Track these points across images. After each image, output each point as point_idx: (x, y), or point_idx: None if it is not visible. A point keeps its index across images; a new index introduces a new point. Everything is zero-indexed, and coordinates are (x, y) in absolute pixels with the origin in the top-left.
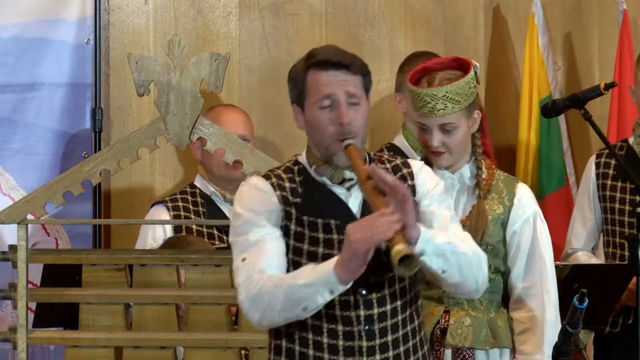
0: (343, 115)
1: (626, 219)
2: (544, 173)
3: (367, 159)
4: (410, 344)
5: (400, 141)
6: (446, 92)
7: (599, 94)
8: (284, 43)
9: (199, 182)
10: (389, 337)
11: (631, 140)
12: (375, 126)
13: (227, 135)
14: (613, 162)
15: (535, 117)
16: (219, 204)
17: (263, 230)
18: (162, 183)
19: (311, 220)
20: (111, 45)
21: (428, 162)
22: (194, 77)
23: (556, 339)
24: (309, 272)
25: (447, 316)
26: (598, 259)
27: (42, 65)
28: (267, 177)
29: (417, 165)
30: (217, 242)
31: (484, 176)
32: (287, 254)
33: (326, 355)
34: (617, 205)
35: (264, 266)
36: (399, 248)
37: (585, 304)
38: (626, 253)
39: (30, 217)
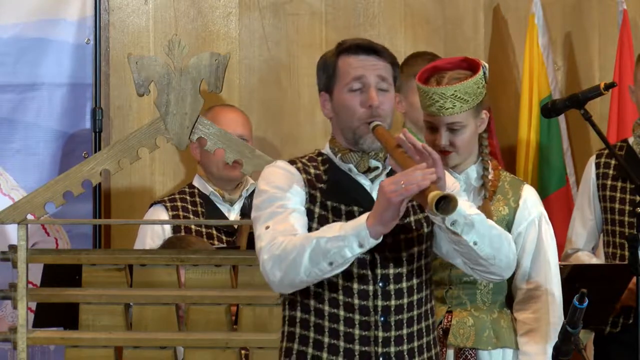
0: (373, 98)
1: (626, 219)
2: (544, 173)
3: (388, 156)
4: (424, 340)
5: None
6: (455, 91)
7: (599, 94)
8: (284, 43)
9: (197, 182)
10: (404, 331)
11: (631, 140)
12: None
13: (227, 135)
14: (613, 162)
15: (535, 117)
16: (217, 204)
17: (288, 203)
18: (162, 183)
19: (335, 206)
20: (111, 45)
21: None
22: (194, 77)
23: None
24: (339, 226)
25: (450, 316)
26: (598, 259)
27: (42, 65)
28: (292, 162)
29: None
30: (216, 242)
31: (490, 177)
32: None
33: (342, 343)
34: (617, 205)
35: (287, 231)
36: (435, 193)
37: (585, 304)
38: (626, 253)
39: (30, 217)
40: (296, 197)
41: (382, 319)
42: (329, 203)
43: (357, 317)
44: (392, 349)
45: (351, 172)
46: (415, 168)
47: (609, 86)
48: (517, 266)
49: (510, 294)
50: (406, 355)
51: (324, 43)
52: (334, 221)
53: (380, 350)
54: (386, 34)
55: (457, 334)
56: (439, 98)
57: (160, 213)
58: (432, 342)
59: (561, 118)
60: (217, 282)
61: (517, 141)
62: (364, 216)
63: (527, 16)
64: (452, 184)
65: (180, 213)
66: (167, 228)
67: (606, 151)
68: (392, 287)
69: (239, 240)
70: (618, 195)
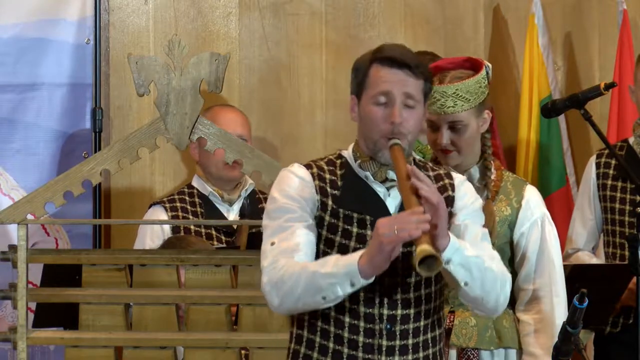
0: (395, 115)
1: (626, 218)
2: (544, 173)
3: (412, 163)
4: (430, 351)
5: None
6: (456, 89)
7: (599, 94)
8: (284, 43)
9: (196, 182)
10: (410, 341)
11: (631, 140)
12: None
13: (227, 135)
14: (613, 162)
15: (535, 117)
16: (216, 204)
17: (296, 217)
18: (162, 183)
19: (347, 214)
20: (111, 45)
21: (437, 161)
22: (194, 77)
23: None
24: (333, 262)
25: (452, 316)
26: (598, 259)
27: (42, 65)
28: (308, 166)
29: (459, 178)
30: (215, 242)
31: (492, 177)
32: (318, 244)
33: (345, 350)
34: (617, 205)
35: (291, 252)
36: (423, 247)
37: (585, 304)
38: (626, 253)
39: (30, 217)
40: (306, 208)
41: (387, 327)
42: (340, 211)
43: (362, 324)
44: (397, 358)
45: (367, 179)
46: (412, 212)
47: (609, 86)
48: (520, 267)
49: (512, 294)
50: None
51: (324, 43)
52: (344, 229)
53: (383, 358)
54: (386, 34)
55: (459, 334)
56: (440, 96)
57: (159, 213)
58: (438, 354)
59: (561, 118)
60: (217, 282)
61: (517, 141)
62: (358, 254)
63: (527, 16)
64: (475, 199)
65: (180, 213)
66: (167, 228)
67: (606, 151)
68: (399, 296)
69: (239, 240)
70: (618, 195)
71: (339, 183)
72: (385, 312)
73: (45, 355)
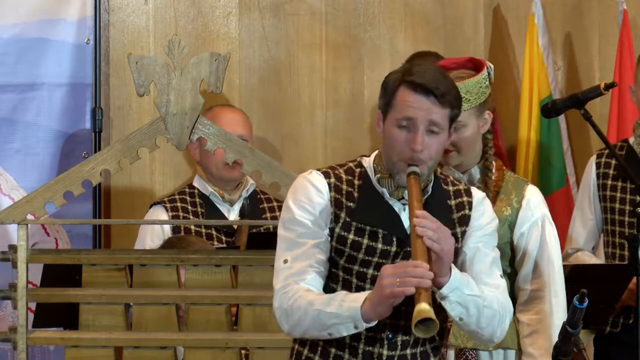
0: (417, 142)
1: (626, 219)
2: (544, 173)
3: (433, 178)
4: None
5: None
6: None
7: (599, 94)
8: (284, 43)
9: (197, 182)
10: (408, 351)
11: (631, 140)
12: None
13: (227, 135)
14: (613, 162)
15: (535, 117)
16: (217, 205)
17: (309, 233)
18: (162, 183)
19: (359, 227)
20: (111, 45)
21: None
22: (194, 77)
23: None
24: (339, 302)
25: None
26: (598, 259)
27: (42, 65)
28: (326, 174)
29: (479, 196)
30: (215, 243)
31: (493, 178)
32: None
33: (346, 356)
34: (617, 205)
35: (302, 275)
36: (422, 308)
37: (585, 304)
38: (626, 253)
39: (30, 217)
40: (320, 222)
41: (389, 336)
42: (353, 224)
43: (364, 332)
44: None
45: (384, 195)
46: (416, 265)
47: (609, 86)
48: (520, 267)
49: (513, 295)
50: None
51: (324, 43)
52: (353, 242)
53: None
54: (386, 34)
55: (457, 334)
56: None
57: (160, 213)
58: None
59: (561, 118)
60: (217, 282)
61: (517, 141)
62: (362, 298)
63: (527, 16)
64: (491, 220)
65: (180, 213)
66: (167, 228)
67: (607, 151)
68: (402, 307)
69: (239, 240)
70: (618, 195)
71: (355, 195)
72: (388, 321)
73: (45, 355)
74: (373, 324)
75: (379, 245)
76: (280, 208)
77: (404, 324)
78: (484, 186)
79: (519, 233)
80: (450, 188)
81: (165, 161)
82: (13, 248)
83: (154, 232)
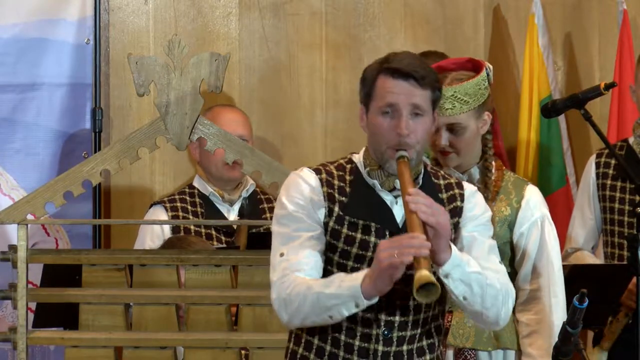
0: (402, 127)
1: (626, 219)
2: (544, 173)
3: (422, 171)
4: (427, 357)
5: None
6: (454, 91)
7: (599, 94)
8: (284, 43)
9: (197, 182)
10: (405, 347)
11: (631, 140)
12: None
13: (227, 135)
14: (613, 162)
15: (535, 117)
16: (217, 205)
17: (304, 227)
18: (162, 183)
19: (352, 221)
20: (111, 45)
21: (437, 162)
22: (194, 77)
23: None
24: (337, 283)
25: (450, 316)
26: (598, 259)
27: (42, 65)
28: (318, 171)
29: (470, 189)
30: (215, 243)
31: (493, 178)
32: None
33: (341, 353)
34: (616, 205)
35: (299, 266)
36: (422, 274)
37: (585, 304)
38: (625, 253)
39: (30, 217)
40: (314, 216)
41: (384, 333)
42: (347, 218)
43: (359, 328)
44: None
45: (375, 187)
46: (412, 236)
47: (609, 86)
48: (519, 267)
49: None
50: None
51: (324, 43)
52: (347, 236)
53: None
54: (386, 34)
55: (456, 334)
56: None
57: (159, 213)
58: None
59: (561, 118)
60: (217, 282)
61: (517, 141)
62: (361, 275)
63: (527, 16)
64: (484, 211)
65: (180, 213)
66: (167, 229)
67: (606, 151)
68: (398, 303)
69: (239, 240)
70: (618, 195)
71: (347, 190)
72: (383, 317)
73: (45, 355)
74: (374, 301)
75: (372, 239)
76: None
77: (400, 321)
78: (484, 186)
79: (518, 233)
80: (441, 182)
81: (165, 161)
82: (13, 248)
83: (153, 232)
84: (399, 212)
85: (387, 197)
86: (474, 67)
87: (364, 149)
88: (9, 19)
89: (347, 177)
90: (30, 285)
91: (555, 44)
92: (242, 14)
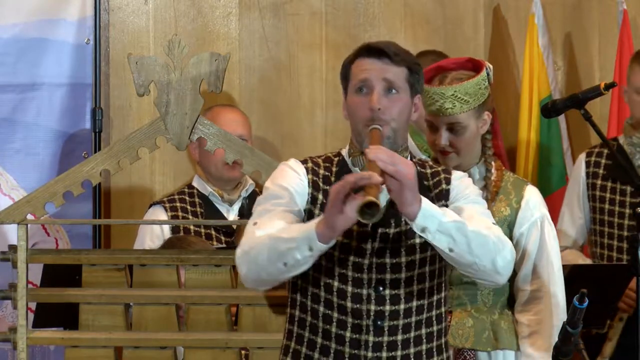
0: (373, 101)
1: (615, 220)
2: (544, 173)
3: (410, 157)
4: (424, 347)
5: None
6: (455, 91)
7: (599, 94)
8: (284, 43)
9: (196, 182)
10: (399, 337)
11: (621, 139)
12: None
13: (227, 135)
14: (603, 161)
15: (535, 117)
16: (216, 204)
17: (282, 202)
18: (162, 183)
19: None
20: (111, 45)
21: (437, 161)
22: (194, 77)
23: None
24: (296, 228)
25: (450, 317)
26: (587, 258)
27: (42, 65)
28: (304, 161)
29: (458, 174)
30: (215, 243)
31: (492, 178)
32: None
33: (333, 345)
34: (606, 206)
35: (269, 229)
36: (366, 197)
37: (585, 304)
38: (614, 254)
39: (30, 217)
40: (295, 199)
41: (374, 323)
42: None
43: (349, 319)
44: (384, 354)
45: None
46: (364, 173)
47: (609, 86)
48: (519, 268)
49: (512, 295)
50: None
51: (324, 43)
52: None
53: (370, 354)
54: (386, 34)
55: (455, 334)
56: (439, 98)
57: (159, 214)
58: (434, 349)
59: (561, 118)
60: (217, 282)
61: (517, 141)
62: (318, 219)
63: (527, 16)
64: (472, 189)
65: (180, 213)
66: (166, 229)
67: (596, 150)
68: (387, 292)
69: (238, 240)
70: (608, 195)
71: (332, 179)
72: (373, 307)
73: (45, 355)
74: (328, 245)
75: (354, 227)
76: None
77: (391, 310)
78: (484, 187)
79: (518, 233)
80: (428, 171)
81: (165, 161)
82: (13, 248)
83: (153, 232)
84: (383, 200)
85: None
86: (474, 66)
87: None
88: (9, 19)
89: (334, 169)
90: (30, 285)
91: (555, 44)
92: (242, 14)
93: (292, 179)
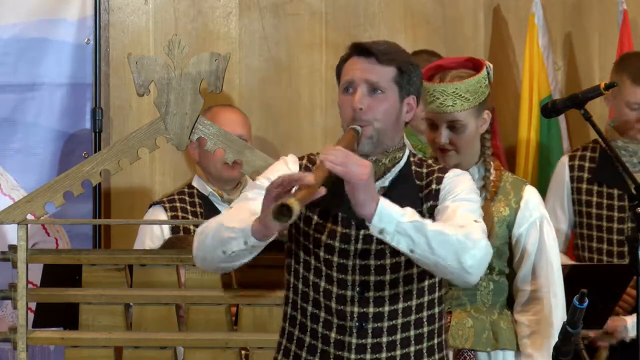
0: (355, 100)
1: (604, 223)
2: (544, 173)
3: (404, 158)
4: (413, 348)
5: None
6: (455, 88)
7: (599, 94)
8: (284, 43)
9: (196, 182)
10: (384, 339)
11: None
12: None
13: (227, 135)
14: (587, 165)
15: (535, 117)
16: (216, 204)
17: (262, 191)
18: (162, 183)
19: (322, 210)
20: (111, 45)
21: (435, 160)
22: (194, 77)
23: None
24: (239, 217)
25: (449, 317)
26: (569, 259)
27: (42, 65)
28: (301, 158)
29: (454, 172)
30: None
31: (491, 178)
32: (297, 235)
33: (319, 345)
34: (594, 210)
35: (235, 214)
36: (289, 199)
37: (586, 304)
38: (604, 258)
39: (30, 217)
40: None
41: (357, 325)
42: (318, 205)
43: (335, 320)
44: (368, 356)
45: None
46: (299, 174)
47: (609, 86)
48: (518, 268)
49: (511, 295)
50: None
51: (324, 43)
52: (317, 223)
53: (353, 356)
54: (386, 34)
55: (455, 335)
56: (439, 95)
57: (159, 214)
58: (425, 351)
59: (561, 118)
60: (217, 282)
61: (517, 141)
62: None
63: (527, 16)
64: (462, 189)
65: (179, 214)
66: (166, 229)
67: (579, 153)
68: (371, 294)
69: None
70: (595, 199)
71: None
72: (356, 309)
73: (45, 355)
74: (266, 241)
75: (339, 229)
76: None
77: (375, 312)
78: (483, 186)
79: (517, 233)
80: (424, 170)
81: (165, 161)
82: (13, 248)
83: (153, 232)
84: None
85: None
86: (474, 65)
87: None
88: (9, 19)
89: None
90: (30, 285)
91: (555, 44)
92: (242, 14)
93: (281, 173)
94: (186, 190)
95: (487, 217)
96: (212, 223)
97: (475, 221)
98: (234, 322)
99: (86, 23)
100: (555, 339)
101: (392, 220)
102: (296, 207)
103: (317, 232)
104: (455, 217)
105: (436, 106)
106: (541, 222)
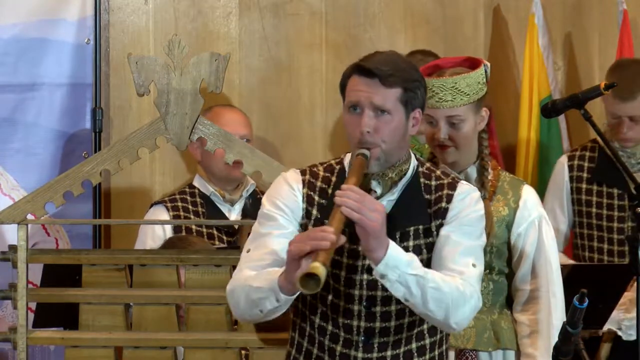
0: (362, 123)
1: (604, 223)
2: (544, 173)
3: (412, 170)
4: None
5: None
6: (455, 82)
7: (599, 94)
8: (284, 43)
9: (198, 182)
10: (389, 352)
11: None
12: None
13: (228, 135)
14: (587, 165)
15: (535, 117)
16: (218, 204)
17: (275, 225)
18: (162, 183)
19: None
20: (111, 45)
21: (434, 160)
22: (194, 77)
23: None
24: (264, 276)
25: None
26: (569, 259)
27: (42, 65)
28: (303, 172)
29: (464, 190)
30: (216, 242)
31: (489, 177)
32: None
33: (326, 357)
34: (594, 210)
35: (257, 262)
36: (312, 265)
37: (585, 304)
38: (605, 257)
39: (30, 217)
40: (289, 217)
41: (363, 339)
42: (325, 221)
43: (342, 334)
44: None
45: None
46: (322, 229)
47: (609, 86)
48: (518, 267)
49: (510, 296)
50: None
51: (324, 43)
52: None
53: None
54: (386, 34)
55: (457, 335)
56: (438, 90)
57: (160, 213)
58: None
59: (561, 118)
60: (217, 282)
61: (517, 141)
62: (281, 270)
63: (527, 16)
64: (470, 213)
65: (181, 213)
66: (168, 229)
67: (577, 153)
68: (378, 309)
69: (240, 240)
70: (594, 199)
71: (329, 192)
72: (363, 324)
73: (45, 355)
74: (292, 296)
75: (346, 245)
76: None
77: (381, 327)
78: (481, 186)
79: (516, 233)
80: (433, 183)
81: (165, 161)
82: (13, 248)
83: (154, 232)
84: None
85: None
86: (472, 64)
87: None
88: (9, 19)
89: (333, 179)
90: (30, 285)
91: (555, 44)
92: (242, 14)
93: (286, 197)
94: (187, 190)
95: (487, 217)
96: (239, 282)
97: (474, 265)
98: (234, 322)
99: (86, 23)
100: (555, 338)
101: (397, 270)
102: (323, 272)
103: None
104: (454, 258)
105: (435, 101)
106: (540, 222)
